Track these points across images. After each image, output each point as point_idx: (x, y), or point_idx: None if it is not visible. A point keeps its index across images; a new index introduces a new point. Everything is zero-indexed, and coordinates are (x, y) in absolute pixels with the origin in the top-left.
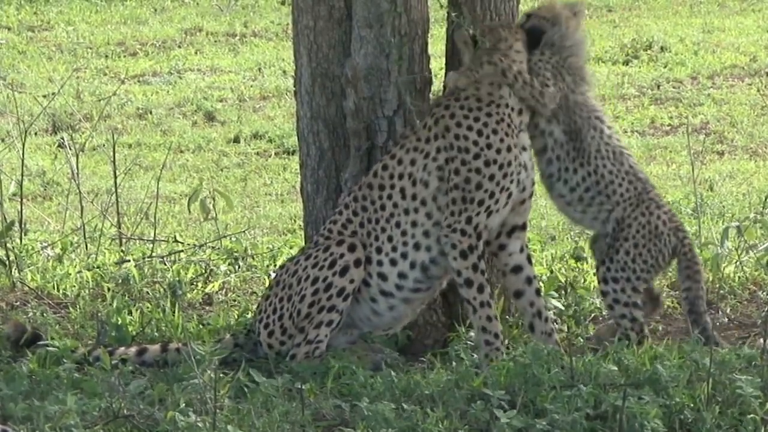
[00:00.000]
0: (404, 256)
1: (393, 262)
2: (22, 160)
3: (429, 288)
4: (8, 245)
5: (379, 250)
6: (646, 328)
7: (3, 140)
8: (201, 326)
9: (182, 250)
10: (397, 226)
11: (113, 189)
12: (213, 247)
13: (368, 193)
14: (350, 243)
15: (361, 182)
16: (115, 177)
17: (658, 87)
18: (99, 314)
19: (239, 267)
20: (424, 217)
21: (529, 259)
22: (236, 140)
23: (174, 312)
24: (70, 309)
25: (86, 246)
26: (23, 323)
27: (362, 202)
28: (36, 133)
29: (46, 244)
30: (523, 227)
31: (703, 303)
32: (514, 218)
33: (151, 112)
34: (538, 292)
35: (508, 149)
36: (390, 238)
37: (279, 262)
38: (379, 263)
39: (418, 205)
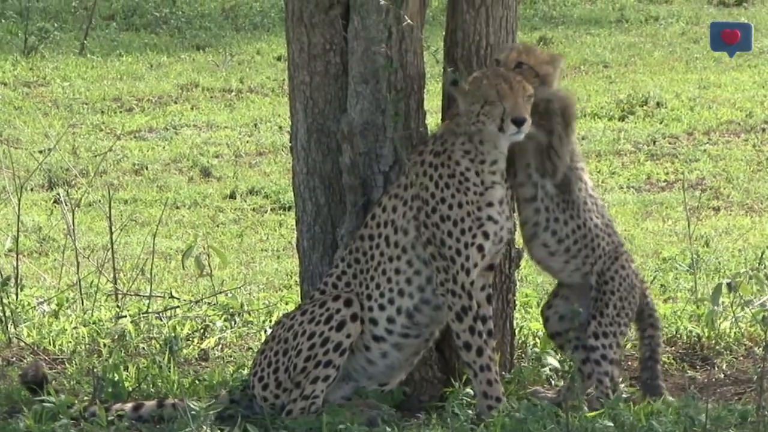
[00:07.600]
0: (391, 301)
1: (382, 308)
2: (18, 216)
3: (418, 335)
4: (4, 301)
5: (369, 297)
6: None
7: None
8: (197, 382)
9: (178, 306)
10: (384, 273)
11: (109, 245)
12: (209, 303)
13: (360, 244)
14: (346, 298)
15: (356, 235)
16: (111, 233)
17: (654, 143)
18: (95, 370)
19: (235, 323)
20: (405, 264)
21: (488, 298)
22: (232, 196)
23: (170, 368)
24: (66, 365)
25: (82, 302)
26: (42, 366)
27: (355, 254)
28: (32, 189)
29: (42, 300)
30: (490, 268)
31: (660, 350)
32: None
33: (147, 168)
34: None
35: (459, 205)
36: (378, 285)
37: (275, 318)
38: (370, 309)
39: (399, 252)
